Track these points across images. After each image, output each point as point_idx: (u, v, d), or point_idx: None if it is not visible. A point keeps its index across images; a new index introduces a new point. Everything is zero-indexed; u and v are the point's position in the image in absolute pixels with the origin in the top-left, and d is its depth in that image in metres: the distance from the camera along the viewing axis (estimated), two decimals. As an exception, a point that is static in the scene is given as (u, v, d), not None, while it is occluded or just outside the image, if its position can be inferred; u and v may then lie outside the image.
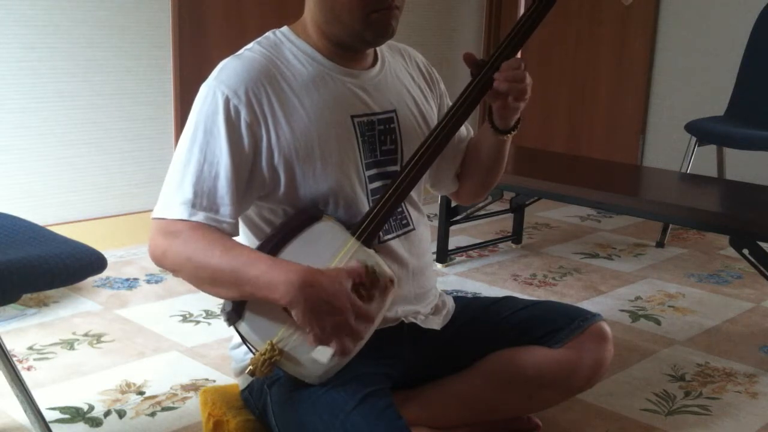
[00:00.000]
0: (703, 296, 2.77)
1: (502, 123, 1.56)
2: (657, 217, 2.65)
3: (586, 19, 4.27)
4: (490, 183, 1.74)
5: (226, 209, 1.41)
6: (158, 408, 1.89)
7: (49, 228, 1.64)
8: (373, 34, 1.47)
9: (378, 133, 1.54)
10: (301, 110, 1.46)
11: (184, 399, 1.94)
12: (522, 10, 4.29)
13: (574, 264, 3.08)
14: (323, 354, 1.37)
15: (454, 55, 4.34)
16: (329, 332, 1.34)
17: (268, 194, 1.47)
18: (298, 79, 1.47)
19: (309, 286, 1.32)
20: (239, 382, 1.64)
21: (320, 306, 1.32)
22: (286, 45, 1.51)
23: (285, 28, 1.54)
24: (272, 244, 1.42)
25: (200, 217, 1.39)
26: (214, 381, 2.03)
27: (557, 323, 1.66)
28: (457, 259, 3.10)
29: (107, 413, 1.86)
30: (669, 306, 2.66)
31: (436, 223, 3.02)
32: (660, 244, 3.35)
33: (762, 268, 2.28)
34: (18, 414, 1.77)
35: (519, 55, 1.52)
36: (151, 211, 1.45)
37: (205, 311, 2.49)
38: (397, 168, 1.55)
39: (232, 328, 1.43)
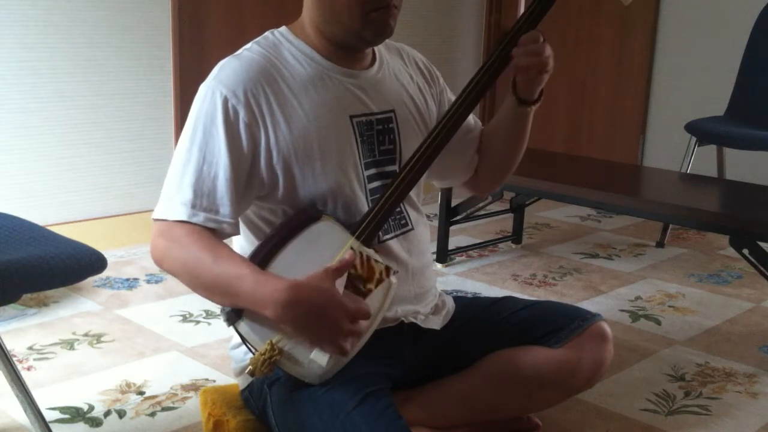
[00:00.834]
0: (703, 296, 2.77)
1: (526, 94, 1.56)
2: (657, 217, 2.65)
3: (586, 19, 4.27)
4: (510, 166, 1.73)
5: (225, 209, 1.41)
6: (158, 408, 1.89)
7: (49, 228, 1.64)
8: (371, 34, 1.47)
9: (377, 133, 1.54)
10: (300, 110, 1.46)
11: (184, 399, 1.94)
12: (522, 10, 4.29)
13: (574, 264, 3.08)
14: (321, 356, 1.37)
15: (455, 55, 4.35)
16: (324, 339, 1.35)
17: (267, 194, 1.47)
18: (297, 80, 1.47)
19: (295, 304, 1.32)
20: (239, 382, 1.64)
21: (309, 320, 1.33)
22: (284, 45, 1.51)
23: (283, 28, 1.54)
24: (271, 245, 1.42)
25: (200, 218, 1.40)
26: (214, 381, 2.03)
27: (557, 323, 1.66)
28: (457, 259, 3.10)
29: (107, 413, 1.86)
30: (669, 306, 2.66)
31: (436, 223, 3.02)
32: (660, 244, 3.34)
33: (762, 268, 2.28)
34: (18, 414, 1.77)
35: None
36: (151, 211, 1.45)
37: (205, 311, 2.49)
38: (395, 168, 1.55)
39: (231, 328, 1.43)
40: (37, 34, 2.81)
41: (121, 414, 1.86)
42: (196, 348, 2.23)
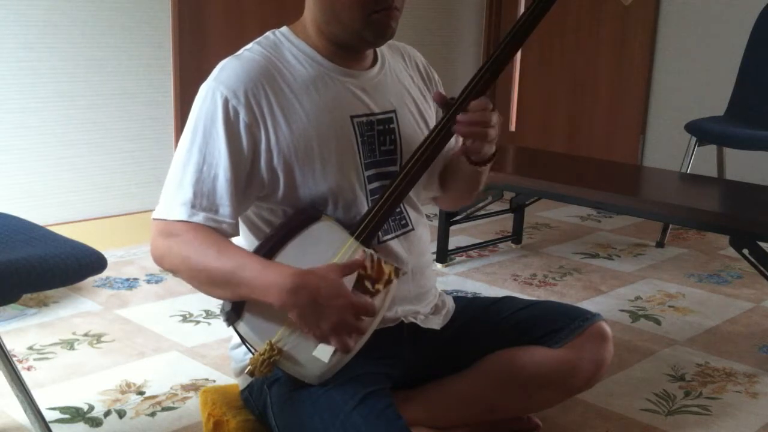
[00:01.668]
0: (703, 296, 2.77)
1: (476, 158, 1.54)
2: (657, 217, 2.65)
3: (586, 20, 4.27)
4: (466, 200, 1.75)
5: (225, 209, 1.41)
6: (158, 408, 1.89)
7: (49, 228, 1.64)
8: (372, 35, 1.47)
9: (377, 134, 1.54)
10: (301, 111, 1.46)
11: (184, 399, 1.94)
12: (522, 10, 4.29)
13: (574, 264, 3.08)
14: (324, 353, 1.37)
15: (454, 55, 4.35)
16: (328, 332, 1.35)
17: (267, 195, 1.48)
18: (298, 80, 1.47)
19: (301, 290, 1.32)
20: (239, 382, 1.64)
21: (314, 308, 1.33)
22: (285, 45, 1.51)
23: (284, 29, 1.54)
24: (271, 245, 1.42)
25: (200, 218, 1.40)
26: (214, 381, 2.03)
27: (557, 323, 1.66)
28: (457, 259, 3.10)
29: (107, 413, 1.86)
30: (669, 306, 2.66)
31: (436, 223, 3.02)
32: (660, 244, 3.34)
33: (762, 268, 2.28)
34: (18, 414, 1.77)
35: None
36: (151, 211, 1.46)
37: (205, 311, 2.49)
38: (396, 168, 1.55)
39: (231, 328, 1.43)
40: (37, 34, 2.81)
41: (121, 414, 1.86)
42: (196, 348, 2.23)
